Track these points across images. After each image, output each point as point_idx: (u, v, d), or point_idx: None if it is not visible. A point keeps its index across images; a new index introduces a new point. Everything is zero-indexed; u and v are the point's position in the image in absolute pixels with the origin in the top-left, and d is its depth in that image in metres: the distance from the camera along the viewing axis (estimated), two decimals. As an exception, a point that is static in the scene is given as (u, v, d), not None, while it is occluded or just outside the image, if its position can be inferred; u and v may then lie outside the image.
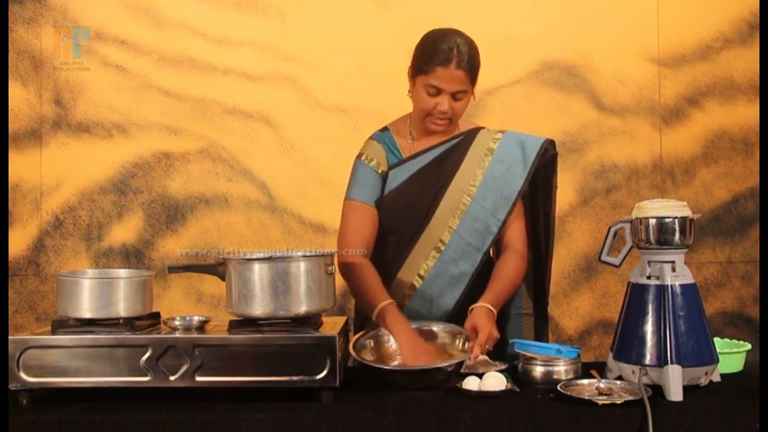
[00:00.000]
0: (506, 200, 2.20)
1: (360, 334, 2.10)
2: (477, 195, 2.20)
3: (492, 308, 2.07)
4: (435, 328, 2.12)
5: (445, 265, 2.20)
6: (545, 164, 2.25)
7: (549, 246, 2.30)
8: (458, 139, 2.25)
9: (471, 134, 2.27)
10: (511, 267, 2.21)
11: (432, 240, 2.20)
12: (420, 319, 2.17)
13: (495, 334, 2.01)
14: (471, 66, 2.13)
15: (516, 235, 2.24)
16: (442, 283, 2.21)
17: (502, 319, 2.22)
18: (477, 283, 2.20)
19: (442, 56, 2.10)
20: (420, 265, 2.21)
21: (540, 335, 2.31)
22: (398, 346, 2.02)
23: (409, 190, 2.22)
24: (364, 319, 2.24)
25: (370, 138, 2.31)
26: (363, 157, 2.26)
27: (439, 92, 2.12)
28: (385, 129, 2.32)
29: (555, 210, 2.31)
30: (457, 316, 2.15)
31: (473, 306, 2.08)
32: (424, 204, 2.20)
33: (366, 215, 2.22)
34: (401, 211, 2.22)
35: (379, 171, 2.24)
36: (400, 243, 2.23)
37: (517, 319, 2.30)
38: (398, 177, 2.23)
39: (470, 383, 1.81)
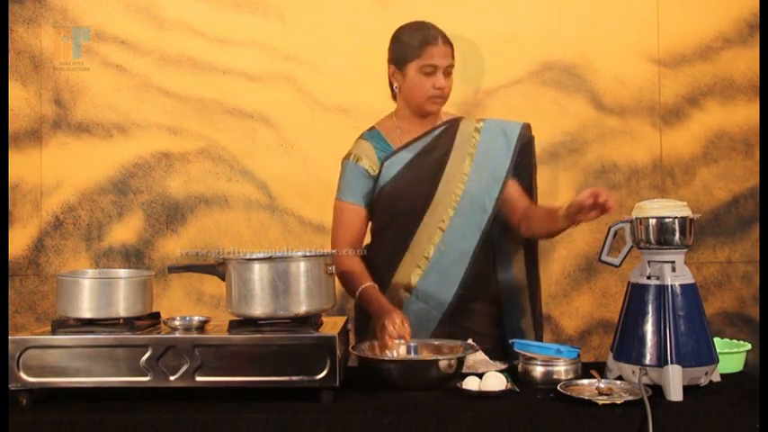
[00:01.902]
0: (497, 180, 2.32)
1: (357, 342, 2.11)
2: (472, 177, 2.32)
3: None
4: (434, 342, 2.11)
5: (449, 243, 2.30)
6: (524, 146, 2.38)
7: None
8: (443, 127, 2.38)
9: (454, 122, 2.40)
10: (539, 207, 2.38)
11: (434, 222, 2.30)
12: (428, 300, 2.27)
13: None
14: (450, 42, 2.30)
15: (527, 202, 2.38)
16: (447, 261, 2.29)
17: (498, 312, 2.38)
18: (481, 267, 2.33)
19: (428, 36, 2.27)
20: (426, 248, 2.29)
21: (537, 325, 2.41)
22: (378, 328, 2.06)
23: (406, 178, 2.32)
24: (365, 320, 2.25)
25: (358, 137, 2.41)
26: (351, 158, 2.37)
27: (434, 70, 2.25)
28: (372, 128, 2.42)
29: (536, 189, 2.45)
30: (467, 290, 2.29)
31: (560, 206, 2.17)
32: (422, 191, 2.31)
33: (353, 215, 2.36)
34: (402, 199, 2.31)
35: (366, 167, 2.34)
36: (404, 229, 2.32)
37: (514, 296, 2.43)
38: (393, 167, 2.33)
39: (470, 383, 1.82)
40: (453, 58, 2.30)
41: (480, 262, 2.33)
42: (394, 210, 2.32)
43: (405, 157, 2.33)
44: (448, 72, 2.28)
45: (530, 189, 2.43)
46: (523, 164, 2.40)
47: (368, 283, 2.22)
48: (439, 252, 2.29)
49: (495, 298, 2.42)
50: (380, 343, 2.03)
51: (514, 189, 2.38)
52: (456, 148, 2.34)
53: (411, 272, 2.30)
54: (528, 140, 2.40)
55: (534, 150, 2.44)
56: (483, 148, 2.34)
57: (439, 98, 2.29)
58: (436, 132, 2.36)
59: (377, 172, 2.33)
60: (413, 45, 2.27)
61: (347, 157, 2.38)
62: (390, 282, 2.31)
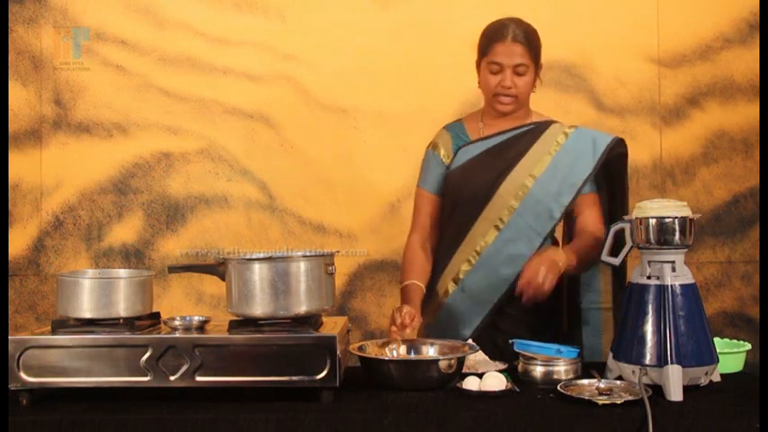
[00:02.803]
0: (571, 187, 2.26)
1: (360, 344, 2.11)
2: (542, 180, 2.27)
3: (562, 251, 2.15)
4: (434, 342, 2.10)
5: (503, 243, 2.27)
6: (612, 160, 2.30)
7: None
8: (529, 127, 2.33)
9: (543, 124, 2.35)
10: (585, 239, 2.24)
11: (492, 218, 2.28)
12: (473, 295, 2.27)
13: (542, 283, 2.06)
14: (529, 41, 2.24)
15: (590, 221, 2.28)
16: (498, 261, 2.27)
17: (576, 313, 2.33)
18: None
19: (498, 33, 2.25)
20: (478, 242, 2.28)
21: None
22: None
23: (474, 168, 2.31)
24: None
25: (442, 127, 2.44)
26: (431, 147, 2.42)
27: (501, 68, 2.24)
28: (457, 119, 2.45)
29: (628, 201, 2.32)
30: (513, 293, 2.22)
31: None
32: (487, 182, 2.28)
33: (424, 201, 2.41)
34: (465, 188, 2.30)
35: (441, 156, 2.37)
36: (463, 219, 2.31)
37: (595, 314, 2.34)
38: (465, 155, 2.33)
39: (470, 383, 1.82)
40: (530, 57, 2.24)
41: None
42: (457, 197, 2.33)
43: (478, 148, 2.33)
44: (519, 72, 2.24)
45: (619, 209, 2.28)
46: (610, 180, 2.33)
47: (410, 281, 2.26)
48: (491, 249, 2.27)
49: (571, 316, 2.36)
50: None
51: (585, 206, 2.28)
52: (535, 148, 2.29)
53: (461, 264, 2.30)
54: (618, 155, 2.31)
55: (626, 168, 2.34)
56: (564, 151, 2.28)
57: (505, 97, 2.26)
58: (519, 131, 2.32)
59: (451, 160, 2.35)
60: (483, 42, 2.30)
61: (428, 146, 2.42)
62: (444, 271, 2.33)
